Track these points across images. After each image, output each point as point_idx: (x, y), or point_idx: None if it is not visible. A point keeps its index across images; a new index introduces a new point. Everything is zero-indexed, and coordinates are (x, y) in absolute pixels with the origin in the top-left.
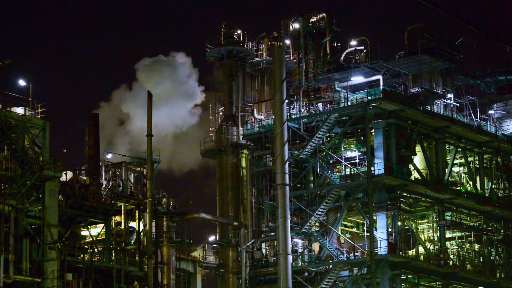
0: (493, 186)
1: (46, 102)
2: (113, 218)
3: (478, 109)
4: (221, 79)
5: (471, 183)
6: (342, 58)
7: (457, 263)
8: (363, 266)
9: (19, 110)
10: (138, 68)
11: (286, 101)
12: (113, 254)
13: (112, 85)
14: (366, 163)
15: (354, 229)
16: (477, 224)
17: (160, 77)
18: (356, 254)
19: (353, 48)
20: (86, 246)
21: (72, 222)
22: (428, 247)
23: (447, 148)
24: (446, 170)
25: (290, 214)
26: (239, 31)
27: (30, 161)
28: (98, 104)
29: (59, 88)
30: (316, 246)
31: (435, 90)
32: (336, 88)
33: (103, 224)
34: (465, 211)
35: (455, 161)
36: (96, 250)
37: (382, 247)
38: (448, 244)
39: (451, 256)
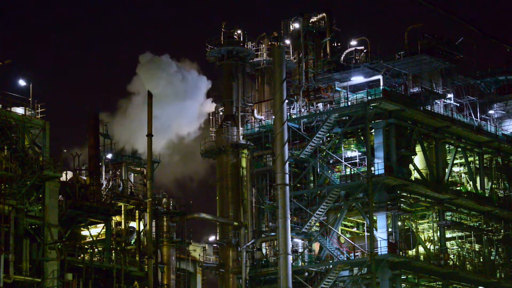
0: (493, 186)
1: (46, 102)
2: (113, 218)
3: (478, 109)
4: (222, 80)
5: (471, 183)
6: (342, 58)
7: (457, 263)
8: (363, 266)
9: (19, 110)
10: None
11: (286, 101)
12: (113, 254)
13: (112, 85)
14: (366, 163)
15: (354, 229)
16: (477, 224)
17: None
18: (356, 254)
19: (353, 48)
20: (86, 246)
21: (72, 222)
22: (428, 247)
23: (447, 148)
24: (446, 170)
25: (290, 214)
26: (239, 31)
27: (30, 161)
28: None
29: (59, 88)
30: (316, 246)
31: (435, 90)
32: (336, 88)
33: (103, 224)
34: (465, 211)
35: (455, 161)
36: (96, 250)
37: (382, 247)
38: (448, 244)
39: (451, 256)
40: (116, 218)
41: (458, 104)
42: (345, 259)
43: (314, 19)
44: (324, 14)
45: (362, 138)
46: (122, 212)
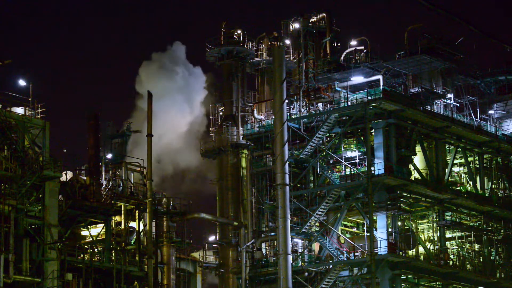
0: (493, 186)
1: (46, 102)
2: (113, 218)
3: (478, 109)
4: (221, 80)
5: (471, 183)
6: (342, 58)
7: (457, 263)
8: (363, 266)
9: (19, 110)
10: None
11: (286, 101)
12: (113, 254)
13: (112, 86)
14: (366, 163)
15: (354, 229)
16: (477, 224)
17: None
18: (356, 254)
19: (353, 48)
20: (86, 246)
21: (72, 222)
22: (428, 247)
23: (447, 148)
24: (446, 170)
25: (290, 214)
26: (239, 31)
27: (30, 161)
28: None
29: (59, 88)
30: (316, 246)
31: (435, 90)
32: (336, 88)
33: (103, 224)
34: (465, 211)
35: (455, 161)
36: (96, 250)
37: (382, 247)
38: (448, 244)
39: (451, 256)
40: (116, 218)
41: (458, 104)
42: (345, 259)
43: (314, 19)
44: (324, 14)
45: (362, 138)
46: (122, 212)
